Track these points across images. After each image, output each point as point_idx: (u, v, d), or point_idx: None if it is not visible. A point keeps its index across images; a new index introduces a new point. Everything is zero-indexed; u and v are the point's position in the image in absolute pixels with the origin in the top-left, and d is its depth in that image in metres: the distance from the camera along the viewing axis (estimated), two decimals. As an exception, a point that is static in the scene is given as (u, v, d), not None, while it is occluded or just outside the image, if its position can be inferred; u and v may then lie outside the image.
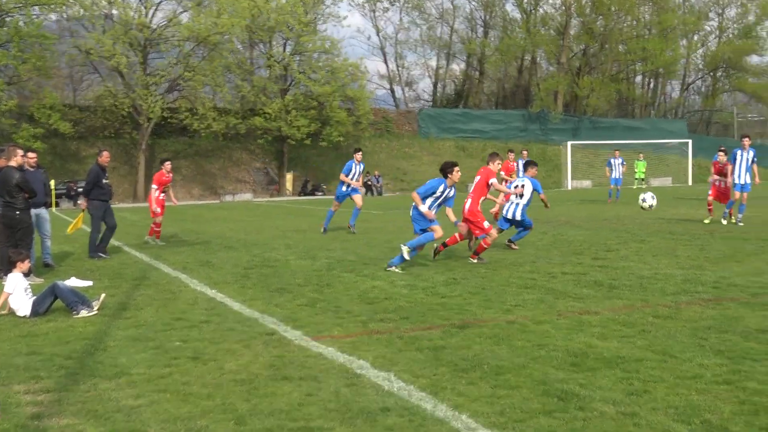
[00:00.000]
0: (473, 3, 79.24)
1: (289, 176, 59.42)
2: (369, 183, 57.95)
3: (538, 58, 78.76)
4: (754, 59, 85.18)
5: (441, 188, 13.64)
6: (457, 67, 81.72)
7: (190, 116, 55.20)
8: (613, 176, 37.54)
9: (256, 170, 60.72)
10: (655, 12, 78.05)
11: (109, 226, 17.19)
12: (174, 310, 10.41)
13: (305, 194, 57.86)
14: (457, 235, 14.76)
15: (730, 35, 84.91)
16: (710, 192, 22.33)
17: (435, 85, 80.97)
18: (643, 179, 50.76)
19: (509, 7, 78.14)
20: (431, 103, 79.24)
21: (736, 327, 8.34)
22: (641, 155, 51.75)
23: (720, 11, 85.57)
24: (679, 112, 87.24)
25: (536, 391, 6.26)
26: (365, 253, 16.56)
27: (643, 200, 19.73)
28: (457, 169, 13.93)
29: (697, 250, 15.30)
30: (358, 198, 22.23)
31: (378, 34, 78.29)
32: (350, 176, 21.78)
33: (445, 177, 13.79)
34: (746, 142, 21.91)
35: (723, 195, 22.14)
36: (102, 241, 17.13)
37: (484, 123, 69.88)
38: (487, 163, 15.45)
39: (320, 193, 57.75)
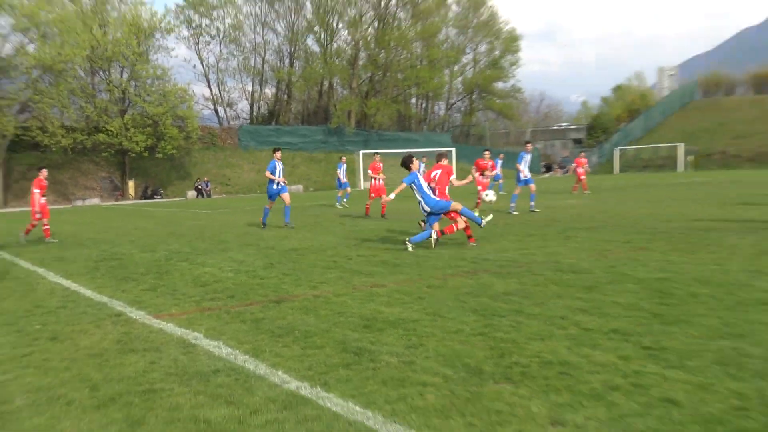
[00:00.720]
0: (280, 38, 78.97)
1: (131, 183, 57.39)
2: (200, 187, 56.78)
3: (335, 84, 79.21)
4: (500, 85, 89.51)
5: (418, 178, 13.66)
6: (269, 91, 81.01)
7: (41, 133, 52.06)
8: None
9: (102, 179, 58.04)
10: (424, 47, 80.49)
11: None
12: (33, 299, 9.90)
13: (146, 198, 55.99)
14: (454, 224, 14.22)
15: (482, 66, 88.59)
16: (480, 188, 22.46)
17: (251, 106, 79.78)
18: None
19: (310, 41, 78.48)
20: (249, 120, 78.06)
21: (488, 292, 8.73)
22: (422, 160, 53.46)
23: (474, 47, 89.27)
24: (445, 126, 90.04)
25: (337, 349, 6.39)
26: (198, 245, 16.23)
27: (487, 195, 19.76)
28: (414, 158, 14.12)
29: (459, 233, 15.86)
30: (286, 196, 20.23)
31: (202, 63, 76.18)
32: (276, 174, 19.90)
33: (409, 168, 13.82)
34: (529, 146, 22.78)
35: (483, 186, 22.88)
36: None
37: (293, 137, 69.86)
38: (440, 161, 15.10)
39: (158, 197, 56.09)
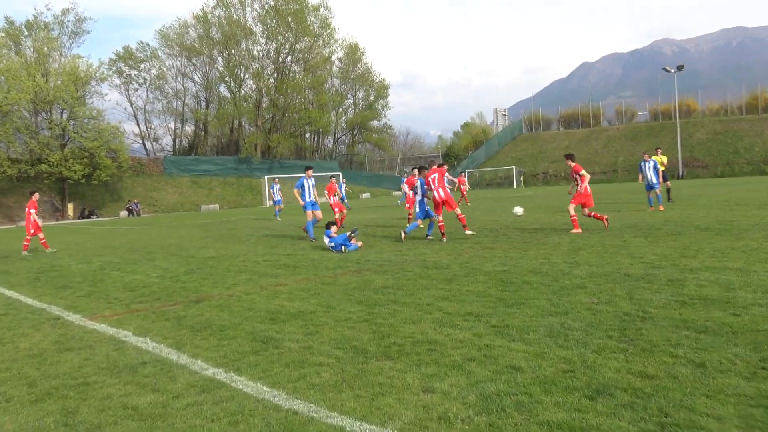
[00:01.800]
0: (197, 86, 76.57)
1: (70, 206, 53.94)
2: (131, 208, 54.14)
3: (243, 122, 77.38)
4: (375, 123, 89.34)
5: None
6: (189, 128, 78.31)
7: (-11, 165, 48.65)
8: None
9: (45, 202, 54.33)
10: (315, 93, 79.41)
11: None
12: (-22, 308, 9.01)
13: (83, 218, 52.74)
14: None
15: (360, 108, 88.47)
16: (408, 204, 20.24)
17: (174, 140, 76.73)
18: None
19: (222, 89, 76.69)
20: (172, 152, 75.19)
21: (370, 286, 8.59)
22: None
23: (354, 93, 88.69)
24: (333, 155, 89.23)
25: (247, 339, 6.10)
26: (128, 256, 15.31)
27: (517, 210, 17.25)
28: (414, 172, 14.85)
29: None
30: (318, 213, 17.12)
31: (132, 106, 72.88)
32: (304, 190, 16.74)
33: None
34: (443, 169, 21.68)
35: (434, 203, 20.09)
36: None
37: (209, 165, 67.57)
38: (433, 165, 14.80)
39: (95, 216, 52.99)
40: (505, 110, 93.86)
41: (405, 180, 21.47)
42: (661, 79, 71.31)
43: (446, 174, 14.73)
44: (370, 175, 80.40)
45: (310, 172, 17.54)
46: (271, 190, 31.01)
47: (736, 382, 4.26)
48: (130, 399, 4.64)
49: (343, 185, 36.88)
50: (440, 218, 14.33)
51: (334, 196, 21.68)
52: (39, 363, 5.76)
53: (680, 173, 59.28)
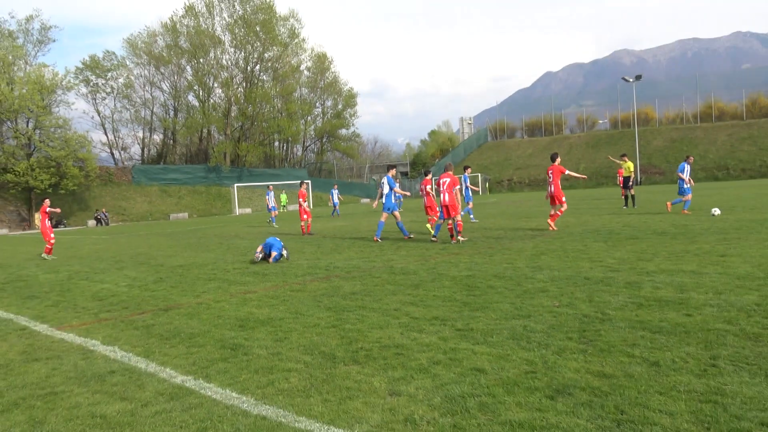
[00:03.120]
0: (165, 94, 75.44)
1: (37, 215, 52.74)
2: (99, 217, 53.17)
3: (212, 131, 76.77)
4: (343, 131, 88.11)
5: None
6: (157, 137, 77.19)
7: (-48, 174, 47.22)
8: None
9: (10, 212, 53.09)
10: (284, 102, 78.92)
11: None
12: (-59, 320, 8.77)
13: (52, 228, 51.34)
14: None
15: (329, 117, 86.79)
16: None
17: (143, 149, 75.54)
18: (284, 206, 52.34)
19: (190, 97, 76.03)
20: (141, 161, 73.97)
21: (339, 292, 8.57)
22: (284, 191, 54.41)
23: (322, 102, 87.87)
24: (302, 163, 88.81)
25: (216, 346, 6.06)
26: (96, 265, 15.02)
27: (715, 211, 17.64)
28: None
29: (315, 247, 15.67)
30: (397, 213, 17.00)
31: (99, 115, 71.49)
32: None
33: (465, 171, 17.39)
34: (469, 170, 20.90)
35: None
36: None
37: (178, 174, 66.71)
38: (448, 170, 14.89)
39: (63, 226, 51.93)
40: (470, 119, 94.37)
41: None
42: (621, 89, 72.87)
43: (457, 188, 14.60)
44: (339, 183, 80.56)
45: (393, 171, 17.77)
46: (267, 197, 32.04)
47: (688, 379, 4.40)
48: (98, 408, 4.59)
49: (336, 193, 36.85)
50: (450, 221, 14.70)
51: (305, 201, 21.85)
52: (5, 373, 5.65)
53: (638, 180, 60.52)
